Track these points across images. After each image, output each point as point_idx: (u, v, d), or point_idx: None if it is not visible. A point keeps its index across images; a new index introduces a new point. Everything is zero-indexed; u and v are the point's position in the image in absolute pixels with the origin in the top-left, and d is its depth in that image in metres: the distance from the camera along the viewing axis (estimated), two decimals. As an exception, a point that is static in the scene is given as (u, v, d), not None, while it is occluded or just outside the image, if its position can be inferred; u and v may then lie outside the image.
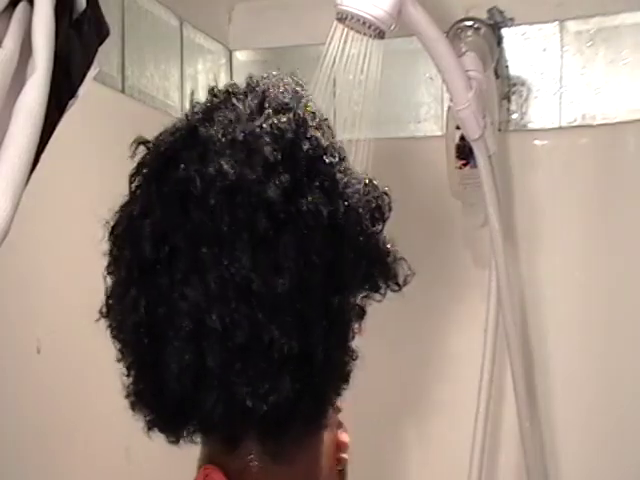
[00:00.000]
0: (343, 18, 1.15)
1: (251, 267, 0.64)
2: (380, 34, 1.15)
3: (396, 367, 1.55)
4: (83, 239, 1.27)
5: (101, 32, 0.83)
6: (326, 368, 0.68)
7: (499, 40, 1.53)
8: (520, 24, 1.54)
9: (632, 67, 1.49)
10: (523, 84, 1.55)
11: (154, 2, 1.46)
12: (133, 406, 0.71)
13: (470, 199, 1.49)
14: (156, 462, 1.35)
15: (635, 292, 1.48)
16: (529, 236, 1.55)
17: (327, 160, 0.70)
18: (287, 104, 0.72)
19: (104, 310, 0.73)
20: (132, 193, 0.73)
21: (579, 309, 1.52)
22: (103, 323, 1.30)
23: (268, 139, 0.68)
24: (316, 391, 0.68)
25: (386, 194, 0.74)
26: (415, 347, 1.58)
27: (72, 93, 0.79)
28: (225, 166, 0.66)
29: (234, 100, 0.72)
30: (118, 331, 0.72)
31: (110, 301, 0.73)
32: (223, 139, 0.68)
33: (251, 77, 0.75)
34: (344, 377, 0.71)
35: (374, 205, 0.72)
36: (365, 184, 0.73)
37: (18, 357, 1.13)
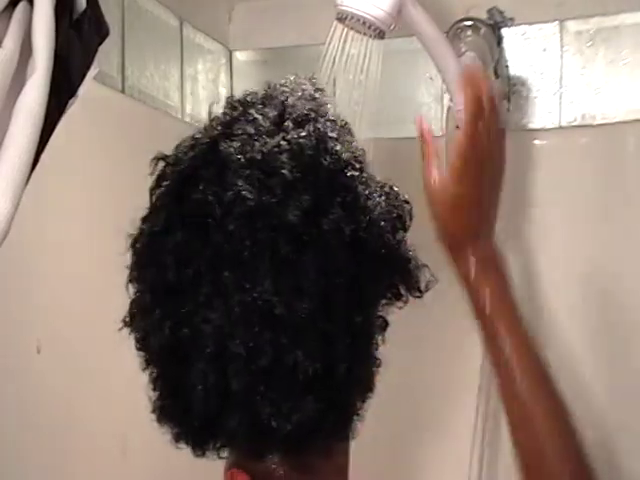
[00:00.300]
0: (343, 18, 1.15)
1: (273, 291, 0.64)
2: (380, 34, 1.15)
3: (394, 367, 1.55)
4: (83, 239, 1.27)
5: (101, 32, 0.83)
6: (350, 383, 0.68)
7: (499, 40, 1.53)
8: (520, 24, 1.54)
9: (632, 67, 1.49)
10: (523, 84, 1.55)
11: (154, 2, 1.46)
12: (159, 420, 0.71)
13: (470, 199, 1.48)
14: (155, 461, 1.35)
15: (636, 292, 1.48)
16: (529, 236, 1.55)
17: (348, 173, 0.69)
18: (307, 115, 0.71)
19: (127, 320, 0.72)
20: (153, 206, 0.72)
21: (580, 309, 1.52)
22: (102, 324, 1.30)
23: (287, 157, 0.67)
24: (340, 406, 0.68)
25: (407, 202, 0.74)
26: (414, 347, 1.58)
27: (72, 93, 0.79)
28: (243, 191, 0.65)
29: (253, 111, 0.71)
30: (142, 345, 0.72)
31: (134, 311, 0.72)
32: (242, 158, 0.67)
33: (269, 84, 0.74)
34: (368, 387, 0.71)
35: (395, 215, 0.72)
36: (386, 193, 0.72)
37: (18, 357, 1.13)
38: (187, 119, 1.53)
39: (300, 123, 0.69)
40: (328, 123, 0.71)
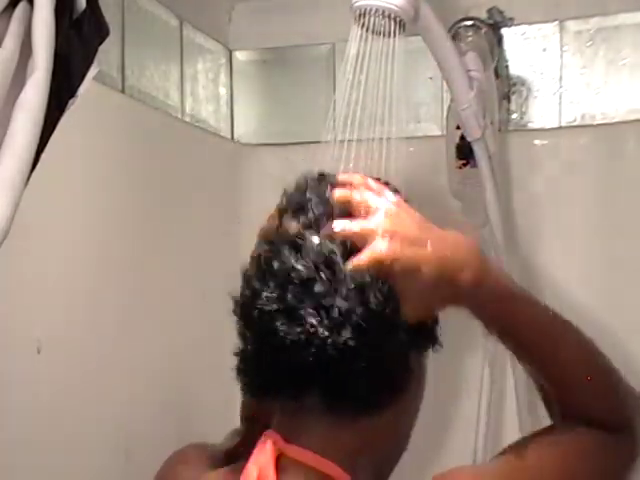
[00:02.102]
0: (362, 14, 1.10)
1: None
2: (401, 24, 1.11)
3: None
4: (83, 239, 1.27)
5: (101, 32, 0.83)
6: (379, 345, 0.80)
7: (499, 40, 1.53)
8: (520, 24, 1.54)
9: (632, 67, 1.49)
10: (523, 84, 1.55)
11: (154, 2, 1.46)
12: (237, 372, 0.83)
13: (470, 199, 1.48)
14: (156, 463, 1.35)
15: (637, 292, 1.48)
16: (529, 236, 1.55)
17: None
18: None
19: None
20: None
21: (580, 309, 1.52)
22: (102, 324, 1.30)
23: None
24: (371, 361, 0.79)
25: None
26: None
27: (72, 93, 0.79)
28: (293, 261, 0.80)
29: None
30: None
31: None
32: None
33: None
34: (391, 374, 0.85)
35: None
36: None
37: (18, 357, 1.13)
38: (187, 119, 1.53)
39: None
40: None
